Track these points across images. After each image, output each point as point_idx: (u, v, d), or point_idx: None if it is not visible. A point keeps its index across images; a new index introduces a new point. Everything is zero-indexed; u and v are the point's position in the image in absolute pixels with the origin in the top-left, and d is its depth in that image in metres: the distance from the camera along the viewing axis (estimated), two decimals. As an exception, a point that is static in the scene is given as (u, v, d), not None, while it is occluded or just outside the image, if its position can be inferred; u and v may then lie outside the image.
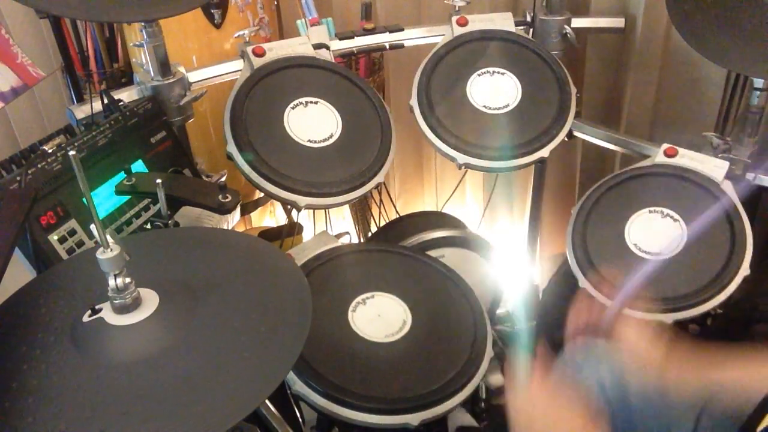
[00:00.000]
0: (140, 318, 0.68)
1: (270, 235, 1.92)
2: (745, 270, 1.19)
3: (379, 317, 1.11)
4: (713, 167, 1.27)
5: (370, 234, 1.87)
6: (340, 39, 1.47)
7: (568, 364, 1.09)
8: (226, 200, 1.02)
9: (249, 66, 1.30)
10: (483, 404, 1.20)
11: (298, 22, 1.40)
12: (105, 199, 1.11)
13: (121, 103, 1.21)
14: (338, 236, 1.62)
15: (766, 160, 1.31)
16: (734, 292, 1.19)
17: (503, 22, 1.48)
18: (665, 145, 1.32)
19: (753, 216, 1.51)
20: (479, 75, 1.42)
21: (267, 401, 1.03)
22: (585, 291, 1.21)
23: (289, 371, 0.97)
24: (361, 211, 1.94)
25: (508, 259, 2.01)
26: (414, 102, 1.39)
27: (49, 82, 1.74)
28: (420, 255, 1.28)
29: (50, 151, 1.03)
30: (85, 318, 0.69)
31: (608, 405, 1.03)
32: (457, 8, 1.46)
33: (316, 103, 1.30)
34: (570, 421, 0.81)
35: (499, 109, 1.40)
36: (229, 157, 1.22)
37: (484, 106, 1.40)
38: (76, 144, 1.07)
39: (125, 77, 1.75)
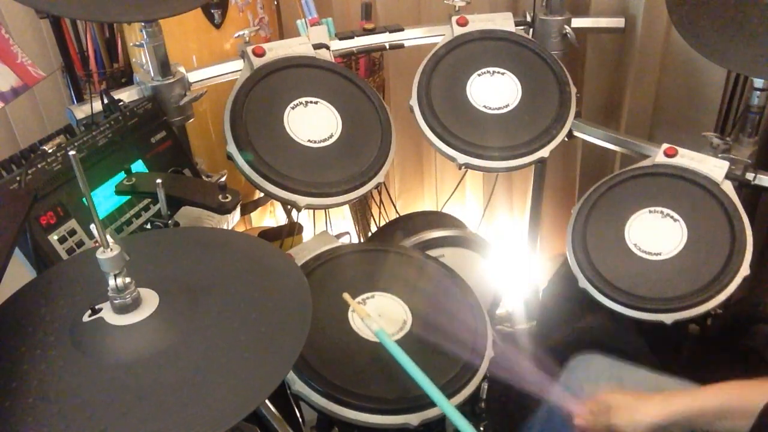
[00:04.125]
0: (140, 318, 0.68)
1: (270, 235, 1.92)
2: (745, 270, 1.19)
3: (380, 317, 1.11)
4: (713, 167, 1.27)
5: (370, 234, 1.87)
6: (340, 39, 1.47)
7: (568, 381, 1.09)
8: (226, 200, 1.02)
9: (249, 66, 1.30)
10: (483, 404, 1.19)
11: (298, 22, 1.40)
12: (105, 199, 1.10)
13: (121, 103, 1.21)
14: (338, 236, 1.62)
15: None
16: (734, 292, 1.19)
17: (503, 22, 1.48)
18: (665, 145, 1.32)
19: (753, 216, 1.51)
20: (479, 75, 1.42)
21: (267, 401, 1.02)
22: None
23: (289, 371, 0.97)
24: (361, 211, 1.94)
25: (508, 259, 2.02)
26: (414, 102, 1.40)
27: (49, 82, 1.74)
28: (420, 255, 1.28)
29: (50, 151, 1.03)
30: (85, 318, 0.69)
31: None
32: (457, 8, 1.46)
33: (316, 103, 1.30)
34: None
35: (499, 109, 1.40)
36: (229, 157, 1.22)
37: (484, 106, 1.40)
38: (76, 144, 1.07)
39: (125, 77, 1.74)
